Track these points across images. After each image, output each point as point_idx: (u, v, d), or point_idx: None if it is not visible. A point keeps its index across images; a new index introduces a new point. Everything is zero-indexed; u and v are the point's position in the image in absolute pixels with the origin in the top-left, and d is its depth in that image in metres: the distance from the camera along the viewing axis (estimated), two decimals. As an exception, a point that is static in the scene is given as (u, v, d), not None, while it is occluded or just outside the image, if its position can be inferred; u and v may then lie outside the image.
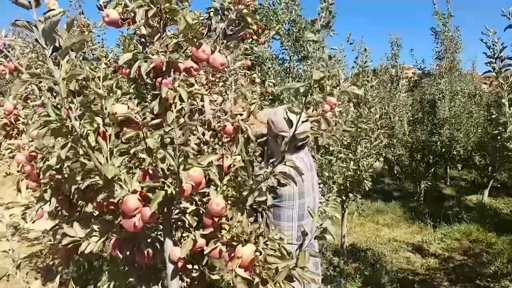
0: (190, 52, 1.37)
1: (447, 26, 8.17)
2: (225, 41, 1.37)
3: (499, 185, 8.89)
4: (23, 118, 2.06)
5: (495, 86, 3.31)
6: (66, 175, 1.51)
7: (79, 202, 1.72)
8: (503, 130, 3.00)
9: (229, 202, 1.28)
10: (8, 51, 1.86)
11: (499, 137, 3.20)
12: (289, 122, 1.08)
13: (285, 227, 1.82)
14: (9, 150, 1.96)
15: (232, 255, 1.14)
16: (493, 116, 3.18)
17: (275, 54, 5.09)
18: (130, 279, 1.51)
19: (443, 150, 8.00)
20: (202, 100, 1.66)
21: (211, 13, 1.23)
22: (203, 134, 1.57)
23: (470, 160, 8.41)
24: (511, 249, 5.12)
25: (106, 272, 3.11)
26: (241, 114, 1.38)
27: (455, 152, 8.04)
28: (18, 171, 1.91)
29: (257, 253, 1.09)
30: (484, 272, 4.66)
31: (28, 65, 2.53)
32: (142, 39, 1.43)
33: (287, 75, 5.02)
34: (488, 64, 3.18)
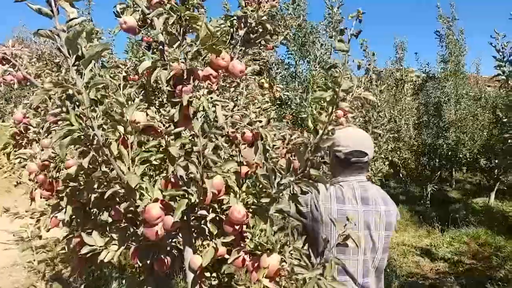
0: (208, 59, 1.36)
1: (452, 29, 8.17)
2: (243, 48, 1.36)
3: (505, 188, 8.84)
4: (34, 127, 2.06)
5: (504, 89, 3.30)
6: (82, 183, 1.50)
7: (93, 210, 1.71)
8: (514, 133, 2.99)
9: (250, 210, 1.27)
10: (16, 61, 1.86)
11: (509, 140, 3.19)
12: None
13: None
14: (19, 159, 1.95)
15: (257, 264, 1.12)
16: (504, 119, 3.17)
17: (281, 59, 5.10)
18: (149, 288, 1.50)
19: (449, 153, 7.98)
20: (214, 106, 1.65)
21: (234, 21, 1.22)
22: (217, 139, 1.56)
23: (476, 163, 8.37)
24: (520, 253, 5.09)
25: (117, 279, 3.10)
26: (260, 121, 1.37)
27: (461, 155, 8.01)
28: (30, 180, 1.91)
29: (283, 263, 1.08)
30: (494, 276, 4.62)
31: (36, 73, 2.54)
32: (160, 46, 1.42)
33: (293, 79, 5.03)
34: (498, 68, 3.17)
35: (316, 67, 4.49)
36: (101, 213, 1.67)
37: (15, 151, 2.09)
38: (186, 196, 1.19)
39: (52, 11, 1.03)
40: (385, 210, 1.65)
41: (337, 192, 1.61)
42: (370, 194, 1.64)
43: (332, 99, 0.94)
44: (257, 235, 1.17)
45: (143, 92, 3.20)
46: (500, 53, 3.23)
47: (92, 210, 1.70)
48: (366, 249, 1.59)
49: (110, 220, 1.59)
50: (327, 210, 1.55)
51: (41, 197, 1.91)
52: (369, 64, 3.42)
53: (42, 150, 1.89)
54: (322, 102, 0.97)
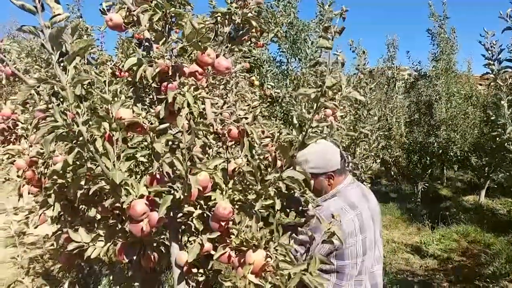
0: (195, 56, 1.37)
1: (443, 27, 8.22)
2: (229, 45, 1.37)
3: (495, 186, 8.94)
4: (22, 123, 2.05)
5: (493, 88, 3.33)
6: (69, 180, 1.50)
7: (81, 206, 1.71)
8: (502, 131, 3.02)
9: (236, 206, 1.28)
10: (5, 56, 1.85)
11: (498, 138, 3.22)
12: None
13: None
14: (7, 156, 1.94)
15: (242, 260, 1.13)
16: (492, 118, 3.20)
17: (272, 57, 5.11)
18: (135, 284, 1.51)
19: (440, 151, 8.04)
20: (203, 103, 1.65)
21: (218, 18, 1.23)
22: (206, 137, 1.57)
23: (467, 161, 8.45)
24: (509, 250, 5.14)
25: (107, 276, 3.09)
26: (246, 118, 1.38)
27: (451, 153, 8.08)
28: (18, 176, 1.90)
29: (268, 259, 1.09)
30: (483, 273, 4.68)
31: (25, 69, 2.51)
32: (146, 43, 1.42)
33: (285, 77, 5.03)
34: (487, 66, 3.20)
35: (306, 65, 4.50)
36: (89, 210, 1.67)
37: (3, 147, 2.08)
38: (171, 192, 1.20)
39: (35, 7, 1.02)
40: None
41: (357, 194, 1.67)
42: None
43: (316, 96, 0.95)
44: (243, 231, 1.18)
45: (132, 89, 3.19)
46: (489, 52, 3.26)
47: (80, 207, 1.71)
48: (378, 239, 1.72)
49: (98, 216, 1.60)
50: (359, 216, 1.60)
51: (29, 193, 1.91)
52: (358, 65, 3.43)
53: (31, 146, 1.88)
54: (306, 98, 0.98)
